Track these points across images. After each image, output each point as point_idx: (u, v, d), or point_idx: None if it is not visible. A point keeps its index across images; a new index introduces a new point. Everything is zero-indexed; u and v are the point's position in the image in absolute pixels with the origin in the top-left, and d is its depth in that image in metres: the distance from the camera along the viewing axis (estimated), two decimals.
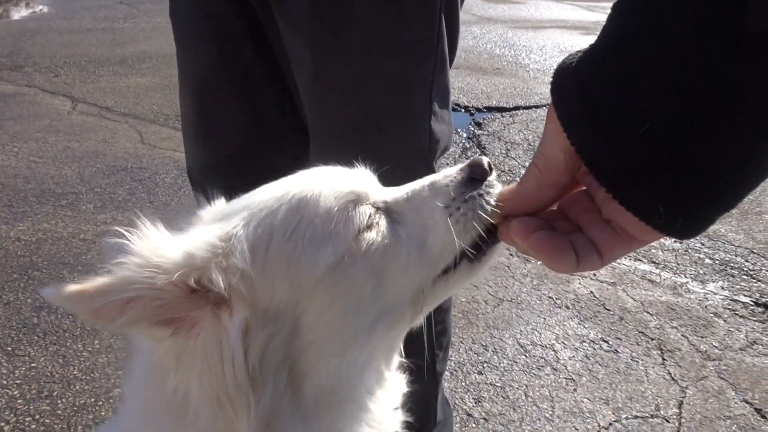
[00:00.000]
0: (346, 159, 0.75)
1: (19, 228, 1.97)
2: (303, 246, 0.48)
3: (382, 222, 0.52)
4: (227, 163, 0.92)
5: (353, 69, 0.66)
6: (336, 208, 0.50)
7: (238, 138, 0.90)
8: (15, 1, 6.92)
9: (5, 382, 1.34)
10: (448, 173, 0.53)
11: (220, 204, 0.56)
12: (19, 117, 3.05)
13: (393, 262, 0.51)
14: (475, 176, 0.52)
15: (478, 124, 3.32)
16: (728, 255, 2.10)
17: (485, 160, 0.52)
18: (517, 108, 3.62)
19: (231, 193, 0.95)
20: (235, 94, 0.86)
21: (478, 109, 3.59)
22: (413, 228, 0.53)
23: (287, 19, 0.68)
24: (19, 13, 6.30)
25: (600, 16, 7.40)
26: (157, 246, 0.46)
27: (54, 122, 3.01)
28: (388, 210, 0.54)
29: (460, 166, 0.54)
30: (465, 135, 3.15)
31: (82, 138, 2.82)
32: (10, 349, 1.44)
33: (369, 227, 0.51)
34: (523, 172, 2.46)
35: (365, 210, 0.51)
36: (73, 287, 0.43)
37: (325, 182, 0.52)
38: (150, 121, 3.10)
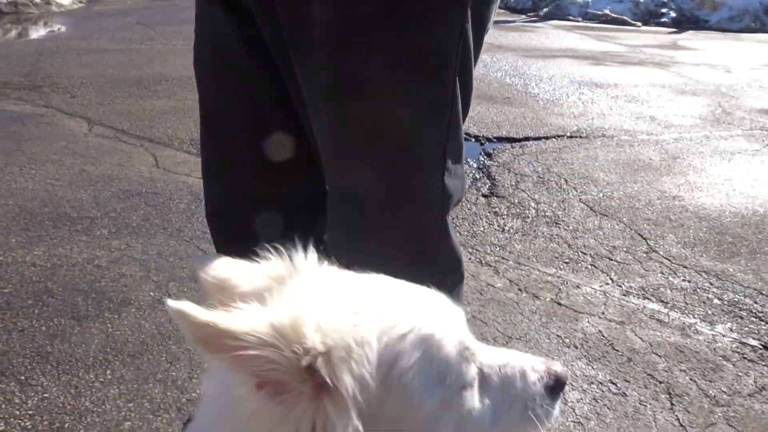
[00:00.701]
0: (362, 212, 0.77)
1: (35, 253, 2.00)
2: (420, 381, 0.54)
3: (476, 385, 0.59)
4: (246, 207, 0.94)
5: (369, 128, 0.69)
6: (454, 360, 0.56)
7: (257, 183, 0.92)
8: (34, 20, 7.06)
9: (18, 413, 1.35)
10: (537, 366, 0.61)
11: (311, 260, 0.58)
12: (37, 138, 3.10)
13: (469, 423, 0.58)
14: (557, 387, 0.60)
15: (489, 155, 3.35)
16: (737, 296, 2.11)
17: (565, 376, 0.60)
18: (527, 138, 3.65)
19: (253, 234, 0.97)
20: (254, 141, 0.89)
21: (489, 139, 3.62)
22: (496, 404, 0.60)
23: (308, 80, 0.71)
24: (37, 33, 6.41)
25: (609, 46, 7.46)
26: (297, 318, 0.48)
27: (71, 144, 3.06)
28: (483, 375, 0.61)
29: (548, 364, 0.63)
30: (475, 165, 3.17)
31: (98, 161, 2.86)
32: (23, 378, 1.46)
33: (470, 386, 0.58)
34: (533, 205, 2.49)
35: (473, 371, 0.58)
36: (202, 315, 0.45)
37: (442, 320, 0.58)
38: (165, 145, 3.15)
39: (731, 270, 2.26)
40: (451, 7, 0.51)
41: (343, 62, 0.66)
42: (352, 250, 0.79)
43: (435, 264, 0.79)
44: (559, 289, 2.08)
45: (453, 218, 2.54)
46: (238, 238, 0.98)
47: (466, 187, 0.83)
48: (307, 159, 0.84)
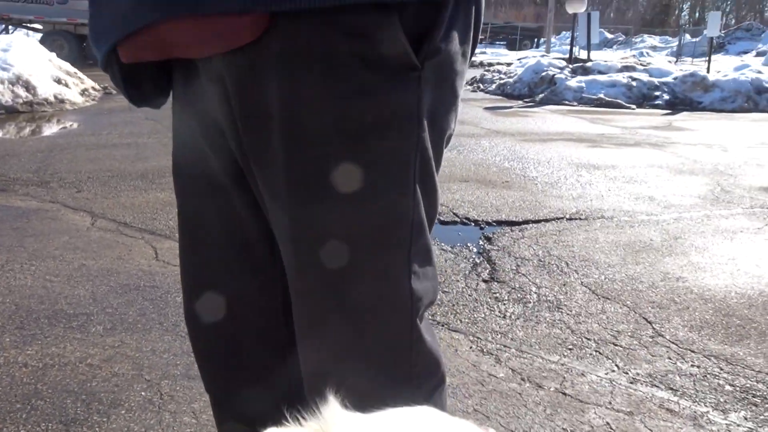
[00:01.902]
0: (326, 321, 0.75)
1: (27, 352, 1.98)
2: None
3: None
4: (220, 312, 0.93)
5: (328, 235, 0.69)
6: None
7: (231, 288, 0.92)
8: (47, 118, 7.33)
9: None
10: None
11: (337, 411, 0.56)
12: (40, 234, 3.14)
13: None
14: None
15: (488, 239, 3.35)
16: (749, 381, 2.03)
17: None
18: (526, 222, 3.66)
19: (220, 335, 0.95)
20: (229, 249, 0.89)
21: (488, 223, 3.64)
22: None
23: (268, 187, 0.72)
24: (50, 129, 6.65)
25: (605, 128, 7.64)
26: None
27: (73, 239, 3.09)
28: None
29: None
30: (475, 250, 3.17)
31: (99, 255, 2.88)
32: None
33: None
34: (534, 290, 2.46)
35: None
36: None
37: None
38: (165, 237, 3.18)
39: (741, 354, 2.20)
40: (406, 117, 0.52)
41: (299, 170, 0.67)
42: (318, 361, 0.77)
43: (410, 370, 0.77)
44: (564, 378, 2.01)
45: (454, 305, 2.51)
46: (213, 342, 0.97)
47: (439, 286, 0.81)
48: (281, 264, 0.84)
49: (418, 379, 0.77)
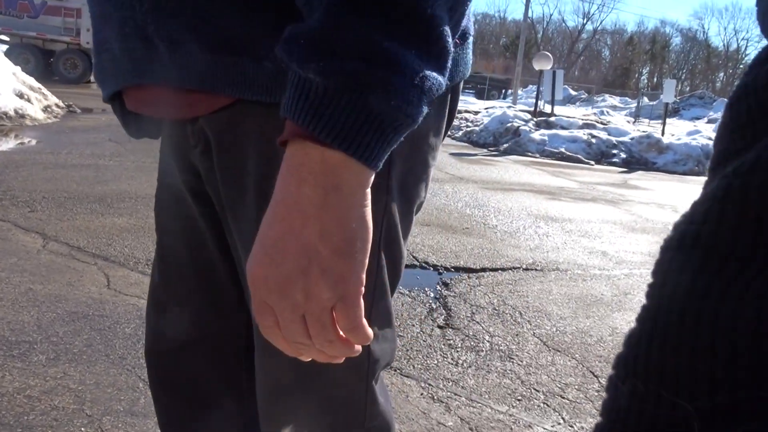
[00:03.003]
0: (282, 375, 0.76)
1: None
2: None
3: None
4: (182, 350, 0.93)
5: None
6: None
7: (196, 328, 0.92)
8: (5, 132, 7.15)
9: None
10: None
11: None
12: None
13: None
14: None
15: (446, 285, 3.39)
16: None
17: None
18: (484, 269, 3.72)
19: (181, 379, 0.95)
20: (198, 290, 0.90)
21: (447, 269, 3.68)
22: None
23: (241, 239, 0.73)
24: (6, 145, 6.48)
25: (564, 182, 7.86)
26: None
27: (21, 261, 3.00)
28: None
29: None
30: (432, 295, 3.20)
31: (47, 280, 2.80)
32: None
33: None
34: (487, 338, 2.48)
35: None
36: None
37: None
38: (120, 264, 3.11)
39: None
40: (376, 185, 0.54)
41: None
42: (276, 412, 0.78)
43: (363, 431, 0.78)
44: (511, 429, 2.03)
45: (408, 350, 2.52)
46: (171, 379, 0.96)
47: (396, 349, 0.83)
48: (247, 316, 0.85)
49: None
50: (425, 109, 0.52)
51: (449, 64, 0.53)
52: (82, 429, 1.72)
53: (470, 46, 0.77)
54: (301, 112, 0.49)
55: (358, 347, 0.56)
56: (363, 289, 0.53)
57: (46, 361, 2.08)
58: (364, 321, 0.54)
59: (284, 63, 0.50)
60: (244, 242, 0.72)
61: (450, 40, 0.52)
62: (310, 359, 0.58)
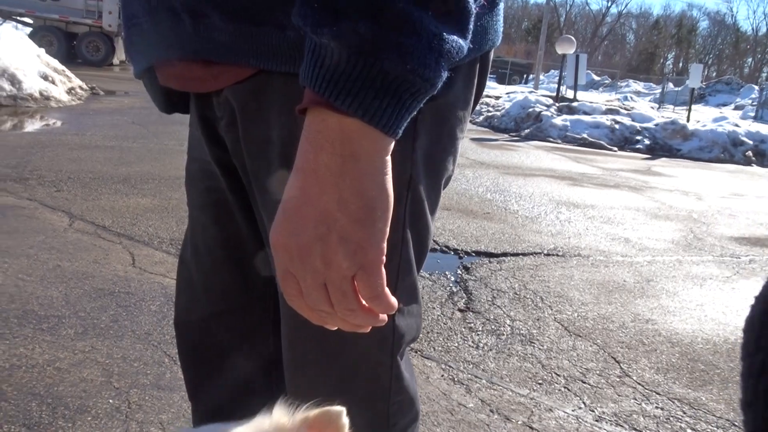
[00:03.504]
0: (307, 348, 0.77)
1: None
2: None
3: None
4: (210, 321, 0.95)
5: None
6: None
7: (224, 300, 0.93)
8: (31, 114, 7.25)
9: None
10: None
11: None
12: (15, 231, 3.10)
13: None
14: None
15: (466, 269, 3.39)
16: (710, 426, 2.08)
17: None
18: (504, 254, 3.71)
19: (210, 350, 0.96)
20: (226, 262, 0.91)
21: (467, 253, 3.68)
22: None
23: (267, 211, 0.73)
24: (32, 126, 6.57)
25: (586, 168, 7.78)
26: None
27: (49, 239, 3.05)
28: None
29: None
30: (453, 279, 3.20)
31: (74, 257, 2.85)
32: None
33: None
34: (508, 322, 2.47)
35: None
36: None
37: None
38: (144, 243, 3.16)
39: (704, 399, 2.25)
40: (399, 156, 0.54)
41: None
42: (302, 384, 0.79)
43: (387, 405, 0.78)
44: (532, 412, 2.03)
45: (428, 333, 2.52)
46: (200, 349, 0.98)
47: (421, 324, 0.83)
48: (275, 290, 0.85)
49: (393, 416, 0.79)
50: (445, 74, 0.50)
51: (471, 26, 0.51)
52: (110, 401, 1.76)
53: (501, 13, 0.75)
54: (317, 79, 0.48)
55: (383, 317, 0.55)
56: (384, 257, 0.52)
57: (74, 335, 2.13)
58: (387, 290, 0.53)
59: (299, 28, 0.49)
60: (269, 213, 0.72)
61: (471, 0, 0.50)
62: (335, 328, 0.58)
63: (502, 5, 0.75)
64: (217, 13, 0.63)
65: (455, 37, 0.49)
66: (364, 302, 0.54)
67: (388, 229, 0.52)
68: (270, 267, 0.81)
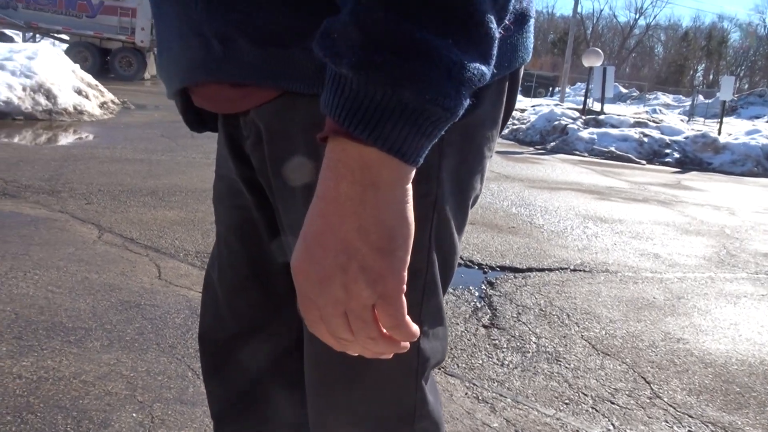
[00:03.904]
0: (330, 371, 0.76)
1: (22, 364, 1.97)
2: None
3: None
4: (235, 340, 0.94)
5: None
6: None
7: (249, 319, 0.93)
8: (65, 127, 7.44)
9: None
10: None
11: None
12: (46, 243, 3.16)
13: None
14: None
15: (491, 284, 3.35)
16: None
17: None
18: (530, 269, 3.66)
19: (235, 369, 0.96)
20: (252, 280, 0.90)
21: (492, 268, 3.64)
22: None
23: (291, 230, 0.73)
24: (66, 139, 6.73)
25: (614, 181, 7.67)
26: None
27: (78, 251, 3.10)
28: None
29: None
30: (477, 294, 3.16)
31: (102, 269, 2.89)
32: None
33: None
34: (534, 339, 2.43)
35: None
36: None
37: None
38: (170, 256, 3.19)
39: (739, 423, 2.17)
40: (424, 176, 0.53)
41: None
42: (324, 407, 0.77)
43: (411, 430, 0.76)
44: None
45: (452, 349, 2.49)
46: (224, 367, 0.97)
47: (447, 347, 0.82)
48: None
49: None
50: (466, 102, 0.49)
51: (494, 51, 0.50)
52: (134, 414, 1.77)
53: (531, 29, 0.73)
54: (337, 109, 0.48)
55: (405, 344, 0.55)
56: (404, 287, 0.52)
57: (100, 347, 2.15)
58: (408, 319, 0.53)
59: (320, 57, 0.50)
60: (293, 232, 0.72)
61: (493, 25, 0.49)
62: (356, 354, 0.57)
63: (532, 21, 0.73)
64: (246, 39, 0.64)
65: (477, 64, 0.49)
66: (384, 331, 0.54)
67: (408, 258, 0.52)
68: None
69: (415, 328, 0.54)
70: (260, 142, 0.72)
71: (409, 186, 0.51)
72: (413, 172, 0.51)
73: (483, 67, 0.50)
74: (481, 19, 0.48)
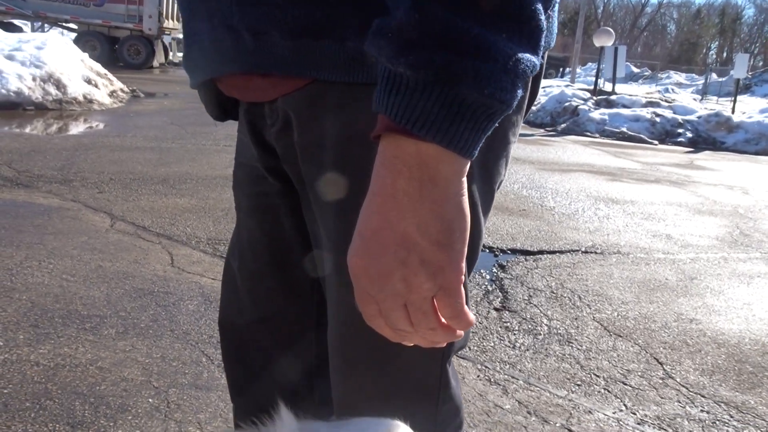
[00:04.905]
0: (357, 356, 0.76)
1: (40, 351, 2.00)
2: None
3: None
4: (255, 325, 0.95)
5: None
6: None
7: (268, 305, 0.94)
8: (75, 117, 7.47)
9: None
10: None
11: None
12: (60, 232, 3.19)
13: None
14: None
15: (502, 267, 3.35)
16: (759, 431, 2.00)
17: None
18: (541, 252, 3.65)
19: (254, 353, 0.97)
20: (271, 266, 0.91)
21: (503, 251, 3.63)
22: None
23: (320, 216, 0.73)
24: (76, 129, 6.77)
25: (626, 162, 7.61)
26: None
27: (91, 239, 3.14)
28: None
29: None
30: (488, 277, 3.16)
31: (115, 258, 2.92)
32: None
33: None
34: (545, 322, 2.44)
35: None
36: None
37: None
38: (182, 243, 3.21)
39: (752, 402, 2.17)
40: None
41: (347, 203, 0.69)
42: (350, 390, 0.78)
43: (435, 413, 0.77)
44: (570, 414, 1.99)
45: None
46: (244, 352, 0.99)
47: (470, 333, 0.83)
48: (319, 298, 0.86)
49: (440, 425, 0.78)
50: (520, 93, 0.50)
51: (543, 42, 0.51)
52: (150, 400, 1.80)
53: (556, 12, 0.74)
54: (393, 107, 0.49)
55: (461, 332, 0.56)
56: (463, 277, 0.53)
57: (115, 334, 2.18)
58: (466, 308, 0.54)
59: (374, 57, 0.50)
60: (323, 216, 0.73)
61: (542, 17, 0.50)
62: (412, 345, 0.59)
63: (557, 6, 0.74)
64: (278, 32, 0.65)
65: (529, 56, 0.50)
66: (443, 320, 0.55)
67: (466, 249, 0.53)
68: (317, 269, 0.81)
69: (472, 316, 0.55)
70: (287, 129, 0.73)
71: (464, 179, 0.52)
72: (468, 166, 0.52)
73: (534, 59, 0.50)
74: (532, 12, 0.49)
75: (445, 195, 0.50)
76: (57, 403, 1.73)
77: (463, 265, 0.53)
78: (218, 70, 0.75)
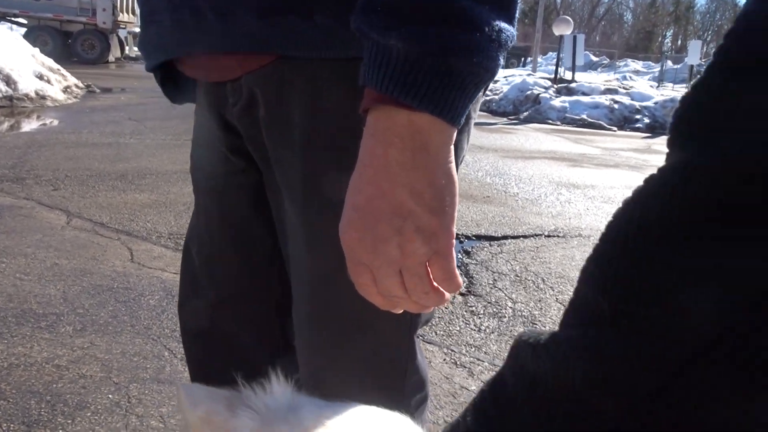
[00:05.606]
0: (325, 326, 0.76)
1: None
2: None
3: None
4: (215, 307, 0.94)
5: (337, 240, 0.70)
6: None
7: (228, 286, 0.93)
8: (27, 114, 7.24)
9: None
10: None
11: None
12: (12, 231, 3.09)
13: None
14: None
15: (467, 253, 3.37)
16: None
17: None
18: (505, 237, 3.69)
19: (215, 336, 0.95)
20: (230, 247, 0.90)
21: (467, 237, 3.66)
22: None
23: (287, 190, 0.73)
24: (29, 126, 6.56)
25: (586, 148, 7.74)
26: None
27: (46, 237, 3.04)
28: None
29: None
30: None
31: (72, 255, 2.84)
32: None
33: None
34: (510, 305, 2.46)
35: None
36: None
37: None
38: (142, 239, 3.14)
39: None
40: None
41: (316, 175, 0.69)
42: (321, 366, 0.78)
43: (402, 386, 0.78)
44: None
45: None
46: (205, 335, 0.97)
47: (435, 313, 0.85)
48: (279, 274, 0.85)
49: (408, 396, 0.79)
50: (502, 61, 0.53)
51: (517, 13, 0.55)
52: (110, 396, 1.75)
53: None
54: (385, 79, 0.50)
55: (449, 296, 0.59)
56: (454, 240, 0.55)
57: (73, 332, 2.12)
58: (457, 271, 0.57)
59: (361, 32, 0.51)
60: (291, 192, 0.72)
61: None
62: (401, 311, 0.60)
63: None
64: (243, 10, 0.65)
65: (507, 26, 0.53)
66: (435, 284, 0.57)
67: (456, 213, 0.56)
68: (282, 247, 0.81)
69: (460, 279, 0.57)
70: (251, 107, 0.71)
71: (452, 147, 0.54)
72: (456, 133, 0.54)
73: (511, 29, 0.54)
74: None
75: (436, 162, 0.52)
76: (11, 402, 1.67)
77: (454, 229, 0.55)
78: (180, 51, 0.74)
